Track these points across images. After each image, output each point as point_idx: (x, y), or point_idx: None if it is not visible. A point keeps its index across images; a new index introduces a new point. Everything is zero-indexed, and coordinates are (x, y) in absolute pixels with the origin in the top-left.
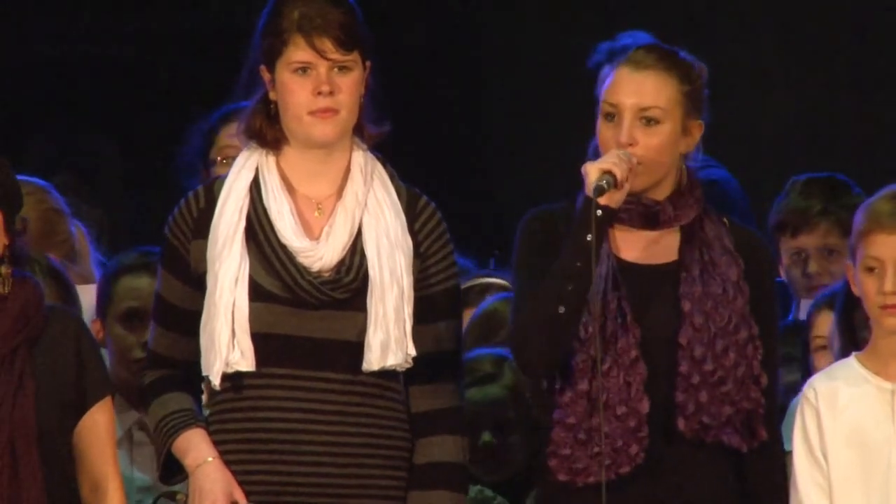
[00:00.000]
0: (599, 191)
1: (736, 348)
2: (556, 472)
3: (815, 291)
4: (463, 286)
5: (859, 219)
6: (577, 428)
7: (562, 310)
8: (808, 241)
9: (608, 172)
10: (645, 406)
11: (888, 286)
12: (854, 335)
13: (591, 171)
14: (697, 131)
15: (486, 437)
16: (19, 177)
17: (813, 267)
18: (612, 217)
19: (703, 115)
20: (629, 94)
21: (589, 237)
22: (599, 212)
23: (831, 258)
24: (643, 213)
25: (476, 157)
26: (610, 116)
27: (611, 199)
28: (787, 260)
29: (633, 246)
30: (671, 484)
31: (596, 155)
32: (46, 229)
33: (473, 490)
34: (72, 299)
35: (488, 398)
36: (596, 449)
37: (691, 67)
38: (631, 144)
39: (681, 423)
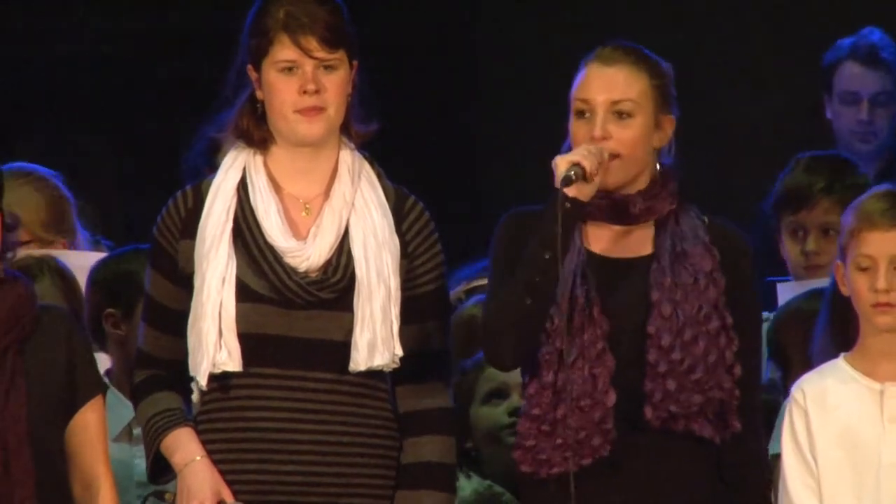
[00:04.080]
0: (567, 181)
1: (707, 337)
2: (521, 462)
3: (813, 270)
4: (466, 287)
5: (849, 218)
6: (541, 419)
7: (528, 301)
8: (808, 217)
9: (577, 164)
10: (611, 399)
11: (881, 284)
12: (843, 334)
13: (561, 164)
14: (669, 126)
15: (517, 401)
16: (25, 164)
17: (811, 245)
18: (581, 210)
19: (673, 110)
20: (600, 89)
21: (555, 229)
22: (568, 204)
23: (829, 237)
24: (611, 207)
25: (465, 156)
26: (582, 113)
27: (579, 192)
28: (787, 236)
29: (605, 239)
30: (637, 474)
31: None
32: (57, 216)
33: (483, 485)
34: (78, 300)
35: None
36: (559, 440)
37: (658, 63)
38: (605, 138)
39: (648, 412)
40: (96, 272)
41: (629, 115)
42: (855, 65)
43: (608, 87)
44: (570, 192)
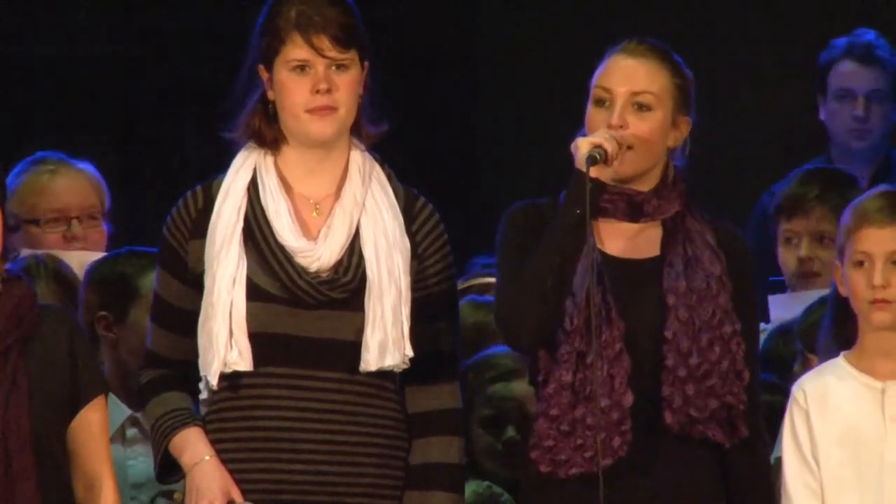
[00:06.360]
0: (592, 160)
1: (721, 342)
2: (538, 462)
3: (805, 277)
4: (461, 286)
5: (847, 218)
6: (559, 419)
7: (550, 282)
8: (801, 225)
9: (599, 146)
10: (628, 399)
11: (877, 280)
12: (846, 334)
13: (582, 145)
14: (685, 127)
15: (511, 432)
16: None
17: (804, 251)
18: (602, 193)
19: (691, 113)
20: (622, 80)
21: (579, 210)
22: (590, 184)
23: (823, 244)
24: (627, 204)
25: (471, 157)
26: (601, 102)
27: (601, 174)
28: (782, 244)
29: (615, 239)
30: (655, 477)
31: None
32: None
33: (482, 486)
34: (73, 304)
35: (513, 394)
36: (579, 441)
37: (682, 66)
38: (622, 127)
39: (668, 417)
40: (90, 274)
41: (648, 108)
42: (851, 63)
43: (630, 79)
44: (592, 173)
